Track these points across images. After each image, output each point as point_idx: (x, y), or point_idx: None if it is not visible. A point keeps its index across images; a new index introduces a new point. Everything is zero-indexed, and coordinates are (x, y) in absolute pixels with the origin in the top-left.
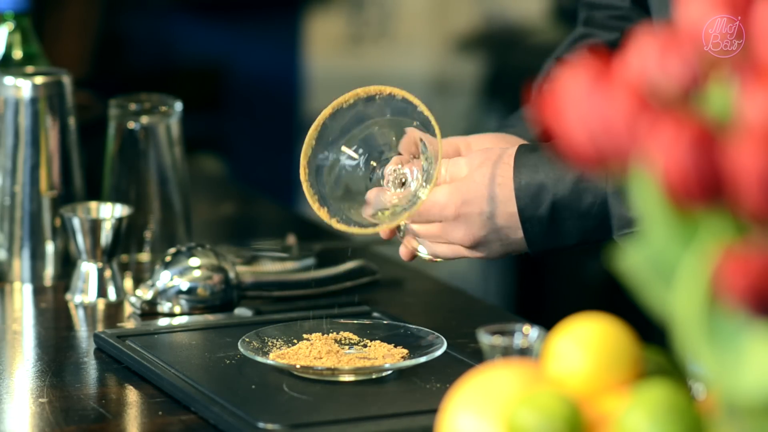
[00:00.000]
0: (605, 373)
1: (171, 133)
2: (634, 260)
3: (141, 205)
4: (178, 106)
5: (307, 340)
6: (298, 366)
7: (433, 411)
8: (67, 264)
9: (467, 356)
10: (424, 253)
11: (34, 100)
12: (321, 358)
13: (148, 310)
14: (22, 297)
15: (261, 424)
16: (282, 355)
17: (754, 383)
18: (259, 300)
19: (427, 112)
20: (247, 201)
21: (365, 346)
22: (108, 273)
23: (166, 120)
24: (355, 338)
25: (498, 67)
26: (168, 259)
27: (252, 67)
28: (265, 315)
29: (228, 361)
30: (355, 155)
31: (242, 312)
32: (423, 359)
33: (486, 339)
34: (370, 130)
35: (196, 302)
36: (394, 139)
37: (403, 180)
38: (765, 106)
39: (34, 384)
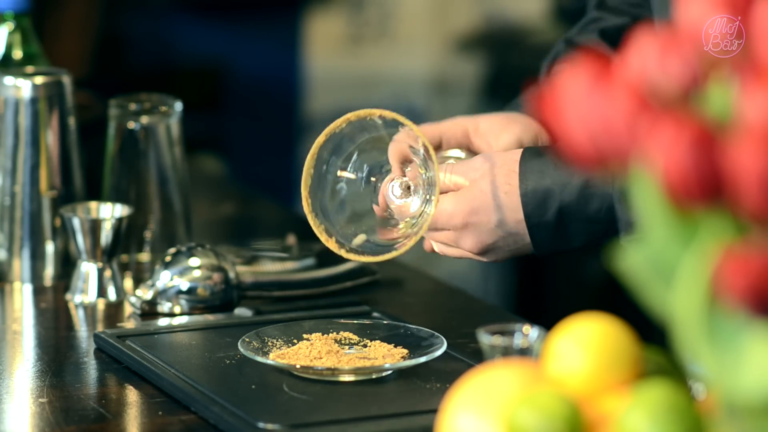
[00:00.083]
0: (605, 373)
1: (171, 133)
2: (634, 260)
3: (141, 205)
4: (178, 106)
5: (307, 340)
6: (298, 366)
7: (433, 411)
8: (67, 264)
9: (467, 356)
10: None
11: (34, 100)
12: (321, 358)
13: (148, 310)
14: (22, 297)
15: (261, 424)
16: (282, 355)
17: (754, 383)
18: (259, 300)
19: (417, 132)
20: (247, 201)
21: (365, 346)
22: (108, 273)
23: (166, 120)
24: (355, 338)
25: (498, 67)
26: (168, 259)
27: (252, 67)
28: (265, 315)
29: (228, 361)
30: (354, 175)
31: (242, 312)
32: (423, 359)
33: (486, 339)
34: (365, 149)
35: (196, 302)
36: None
37: (407, 186)
38: (765, 106)
39: (34, 384)
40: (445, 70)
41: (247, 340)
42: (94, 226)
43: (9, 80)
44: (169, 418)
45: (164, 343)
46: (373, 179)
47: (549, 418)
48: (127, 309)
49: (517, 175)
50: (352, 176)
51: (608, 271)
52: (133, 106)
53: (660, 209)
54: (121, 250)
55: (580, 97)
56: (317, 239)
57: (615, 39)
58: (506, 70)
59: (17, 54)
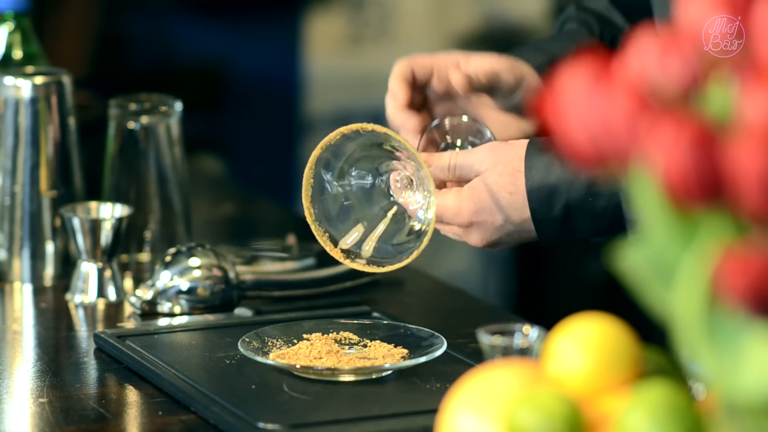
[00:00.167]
0: (605, 373)
1: (171, 133)
2: (634, 260)
3: (141, 205)
4: (178, 106)
5: (307, 340)
6: (298, 366)
7: (433, 411)
8: (67, 264)
9: (467, 356)
10: None
11: (34, 100)
12: (321, 358)
13: (148, 310)
14: (22, 297)
15: (261, 424)
16: (282, 355)
17: (754, 383)
18: (259, 300)
19: (409, 147)
20: (247, 201)
21: (365, 346)
22: (108, 273)
23: (166, 120)
24: (355, 338)
25: None
26: (168, 259)
27: (252, 67)
28: (265, 315)
29: (228, 361)
30: (353, 180)
31: (242, 312)
32: (423, 359)
33: (486, 339)
34: (359, 156)
35: (196, 302)
36: (383, 158)
37: (410, 180)
38: (765, 106)
39: (34, 384)
40: None
41: (247, 340)
42: (94, 226)
43: (9, 80)
44: (169, 418)
45: (164, 343)
46: (369, 179)
47: (549, 418)
48: (127, 309)
49: (522, 174)
50: (353, 182)
51: (608, 271)
52: (133, 106)
53: (660, 209)
54: (121, 250)
55: (580, 97)
56: (317, 239)
57: (626, 5)
58: None
59: (17, 54)
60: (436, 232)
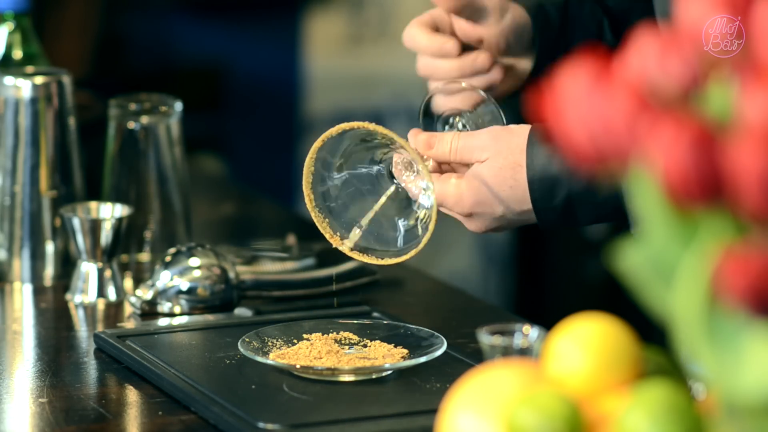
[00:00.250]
0: (605, 373)
1: (171, 133)
2: (634, 260)
3: (141, 205)
4: (178, 106)
5: (307, 340)
6: (298, 366)
7: (433, 411)
8: (67, 264)
9: (467, 356)
10: None
11: (34, 100)
12: (321, 358)
13: (148, 310)
14: (22, 297)
15: (261, 424)
16: (282, 355)
17: (754, 383)
18: (259, 300)
19: (408, 148)
20: (247, 201)
21: (365, 346)
22: (108, 273)
23: (166, 120)
24: (355, 338)
25: None
26: (168, 259)
27: (252, 67)
28: (265, 315)
29: (228, 361)
30: (354, 168)
31: (242, 312)
32: (423, 359)
33: (486, 339)
34: (359, 148)
35: (196, 302)
36: (382, 147)
37: (410, 163)
38: (765, 106)
39: (34, 384)
40: None
41: (247, 340)
42: (94, 226)
43: (9, 80)
44: (169, 418)
45: (164, 343)
46: (374, 168)
47: (549, 418)
48: (127, 309)
49: (523, 168)
50: (353, 171)
51: (608, 271)
52: (133, 106)
53: (660, 209)
54: (121, 250)
55: (580, 97)
56: (317, 239)
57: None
58: None
59: (17, 54)
60: (435, 230)
